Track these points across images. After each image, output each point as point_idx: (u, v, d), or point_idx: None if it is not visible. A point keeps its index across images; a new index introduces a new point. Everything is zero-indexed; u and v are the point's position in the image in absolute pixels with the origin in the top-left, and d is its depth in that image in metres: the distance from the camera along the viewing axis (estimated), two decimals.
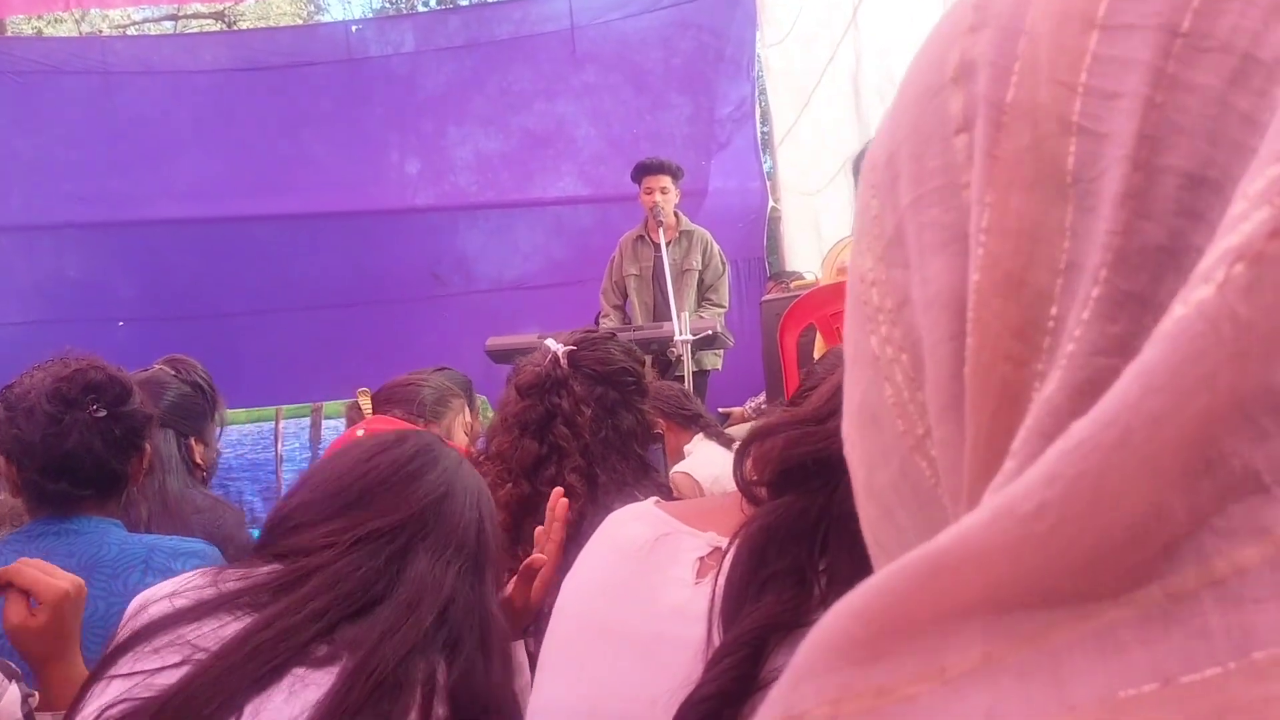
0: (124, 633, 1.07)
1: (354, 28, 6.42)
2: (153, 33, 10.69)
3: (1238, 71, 0.24)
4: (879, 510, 0.35)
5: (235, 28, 10.67)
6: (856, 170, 3.09)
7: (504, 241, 6.58)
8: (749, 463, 0.96)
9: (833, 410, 0.94)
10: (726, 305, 4.99)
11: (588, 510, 1.50)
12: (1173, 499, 0.22)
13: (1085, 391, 0.24)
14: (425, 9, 11.80)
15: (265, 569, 1.11)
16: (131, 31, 10.98)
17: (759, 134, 6.25)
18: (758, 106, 6.26)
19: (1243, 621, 0.20)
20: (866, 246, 0.34)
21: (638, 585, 0.94)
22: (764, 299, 4.16)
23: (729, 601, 0.87)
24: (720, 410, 4.96)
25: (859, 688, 0.24)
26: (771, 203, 6.05)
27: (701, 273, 4.91)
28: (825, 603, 0.86)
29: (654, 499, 1.15)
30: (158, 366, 2.01)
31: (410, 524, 1.15)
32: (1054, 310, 0.26)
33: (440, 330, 5.92)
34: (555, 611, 1.00)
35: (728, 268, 5.04)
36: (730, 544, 0.91)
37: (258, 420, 4.92)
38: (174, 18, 11.29)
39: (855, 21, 3.80)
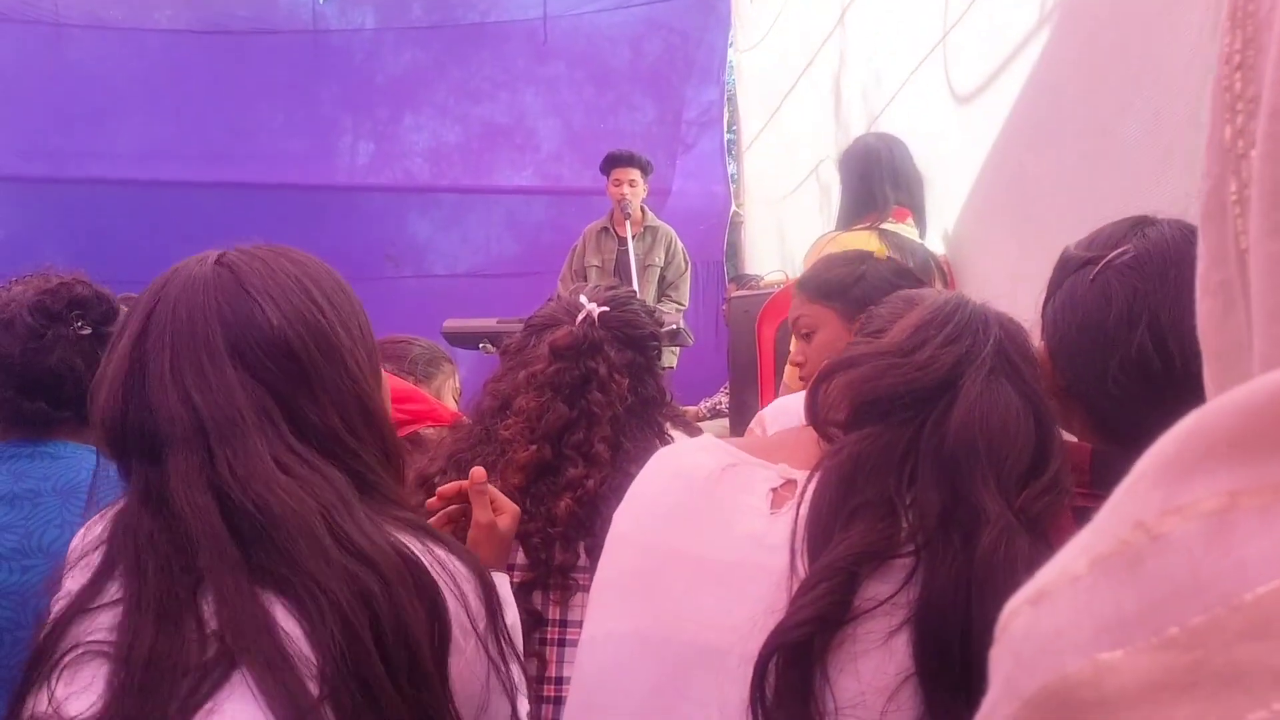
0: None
1: (320, 0, 6.26)
2: None
3: None
4: (1217, 305, 0.33)
5: None
6: (841, 166, 3.08)
7: (457, 230, 6.49)
8: (827, 392, 0.92)
9: (920, 344, 0.90)
10: (686, 304, 4.97)
11: (611, 479, 1.44)
12: None
13: None
14: None
15: None
16: None
17: (725, 139, 6.26)
18: (725, 112, 6.27)
19: None
20: (1238, 21, 0.30)
21: (708, 513, 0.90)
22: (731, 296, 4.15)
23: (816, 529, 0.83)
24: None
25: (1259, 482, 0.22)
26: (734, 207, 6.05)
27: (664, 270, 4.88)
28: (915, 536, 0.82)
29: (707, 434, 1.11)
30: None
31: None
32: None
33: (394, 311, 5.78)
34: (611, 540, 0.95)
35: (690, 267, 5.02)
36: (812, 474, 0.87)
37: None
38: None
39: (843, 22, 3.81)
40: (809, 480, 0.87)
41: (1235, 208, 0.30)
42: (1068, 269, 1.01)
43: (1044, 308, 1.08)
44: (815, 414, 0.92)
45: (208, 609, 0.82)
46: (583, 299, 1.58)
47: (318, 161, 6.34)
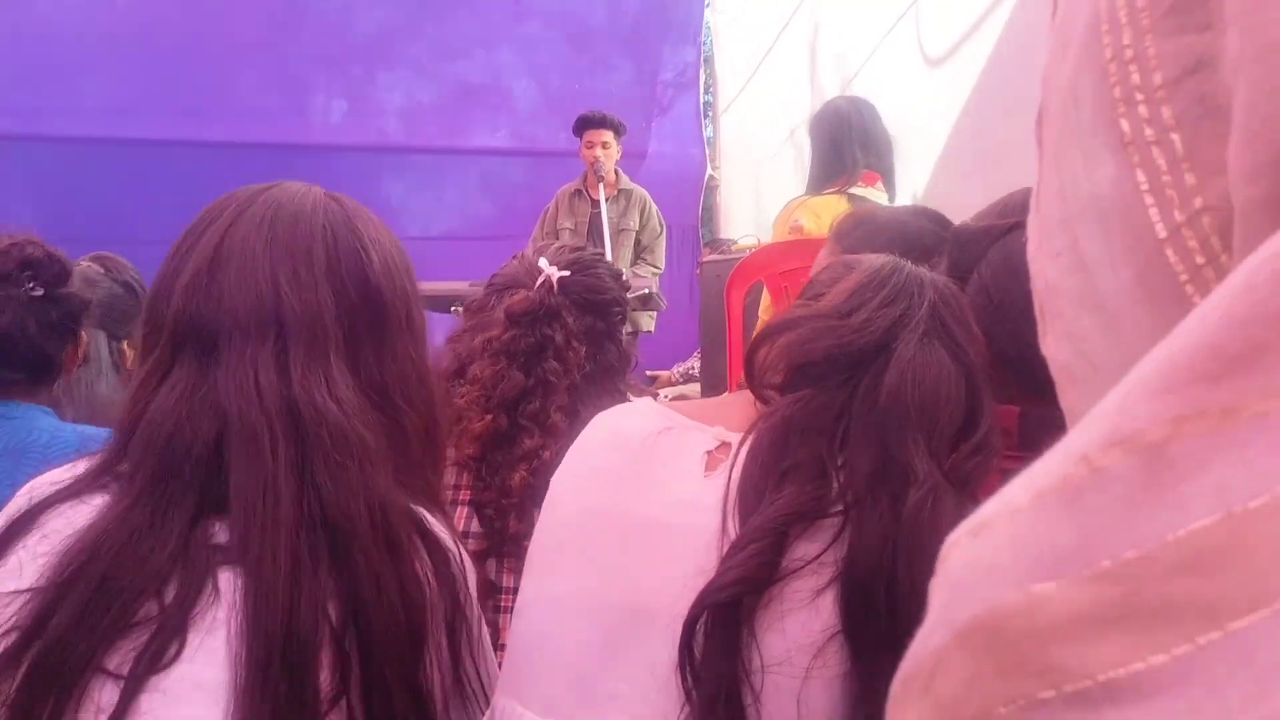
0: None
1: None
2: None
3: None
4: (1099, 322, 0.32)
5: None
6: (811, 130, 3.08)
7: (432, 192, 6.43)
8: (763, 355, 0.93)
9: (856, 306, 0.91)
10: (662, 267, 4.96)
11: (566, 449, 1.43)
12: None
13: None
14: None
15: None
16: None
17: (702, 101, 6.22)
18: (702, 74, 6.23)
19: None
20: (1114, 28, 0.31)
21: (643, 476, 0.91)
22: (703, 260, 4.14)
23: (748, 491, 0.84)
24: (648, 373, 4.94)
25: (1200, 406, 0.22)
26: (709, 170, 6.03)
27: (639, 233, 4.87)
28: (844, 496, 0.83)
29: (646, 397, 1.11)
30: (85, 263, 1.88)
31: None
32: None
33: None
34: (548, 504, 0.96)
35: (665, 230, 5.00)
36: (746, 436, 0.88)
37: None
38: None
39: None
40: (742, 443, 0.88)
41: (1151, 196, 0.30)
42: (988, 238, 1.01)
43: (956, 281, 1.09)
44: (752, 376, 0.93)
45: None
46: (543, 263, 1.55)
47: (289, 120, 6.26)
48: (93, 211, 5.68)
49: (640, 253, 4.88)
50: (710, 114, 6.36)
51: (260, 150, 6.07)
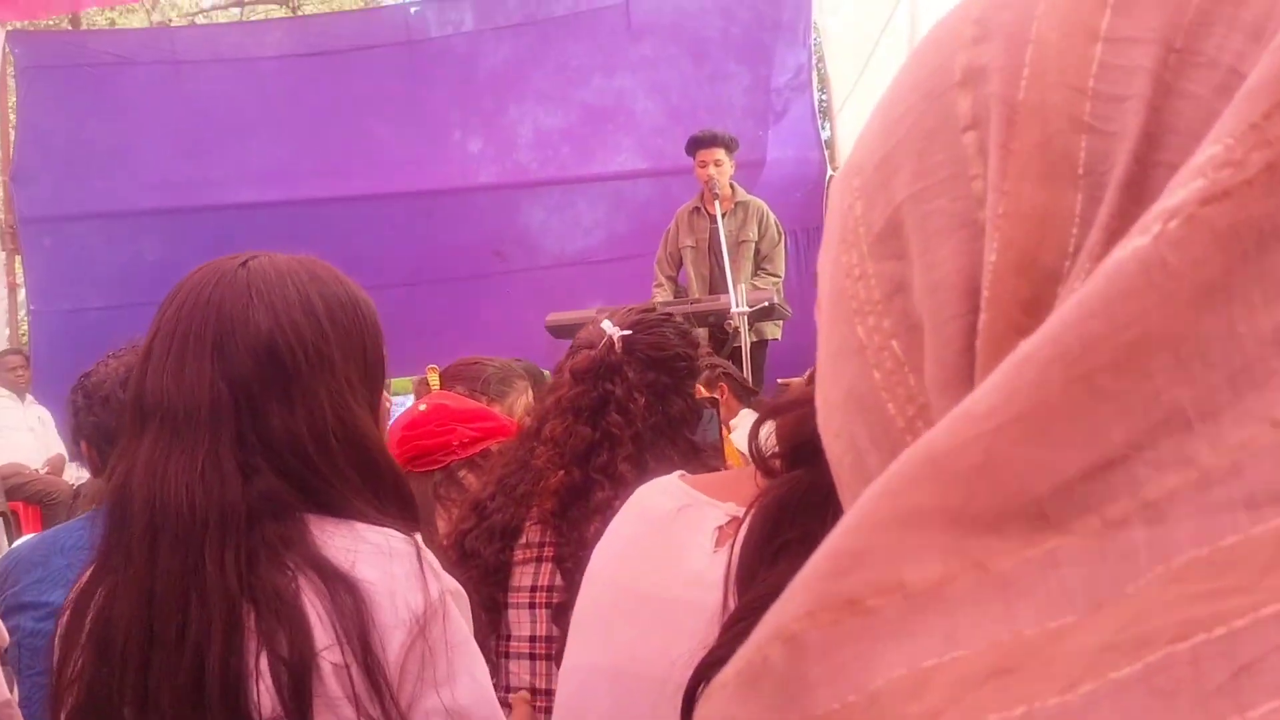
0: None
1: (413, 9, 6.50)
2: (219, 20, 11.03)
3: (1223, 84, 0.27)
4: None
5: (299, 13, 10.86)
6: None
7: (565, 217, 6.63)
8: (766, 436, 1.00)
9: None
10: (782, 275, 4.99)
11: None
12: (1110, 423, 0.24)
13: None
14: None
15: None
16: (199, 20, 11.32)
17: (817, 101, 6.20)
18: (815, 74, 6.21)
19: (1165, 535, 0.23)
20: (850, 244, 0.36)
21: (661, 552, 0.99)
22: None
23: (744, 568, 0.91)
24: (780, 381, 4.96)
25: (831, 599, 0.26)
26: (830, 171, 6.01)
27: (758, 243, 4.92)
28: None
29: (679, 472, 1.20)
30: None
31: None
32: (1060, 290, 0.28)
33: (503, 307, 6.01)
34: (585, 578, 1.06)
35: (784, 237, 5.03)
36: (746, 514, 0.96)
37: None
38: (239, 3, 11.53)
39: None
40: (743, 520, 0.95)
41: (885, 394, 0.34)
42: None
43: None
44: (756, 453, 1.01)
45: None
46: (606, 324, 1.66)
47: (428, 165, 6.58)
48: None
49: (760, 262, 4.92)
50: (826, 113, 6.34)
51: (404, 198, 6.41)
